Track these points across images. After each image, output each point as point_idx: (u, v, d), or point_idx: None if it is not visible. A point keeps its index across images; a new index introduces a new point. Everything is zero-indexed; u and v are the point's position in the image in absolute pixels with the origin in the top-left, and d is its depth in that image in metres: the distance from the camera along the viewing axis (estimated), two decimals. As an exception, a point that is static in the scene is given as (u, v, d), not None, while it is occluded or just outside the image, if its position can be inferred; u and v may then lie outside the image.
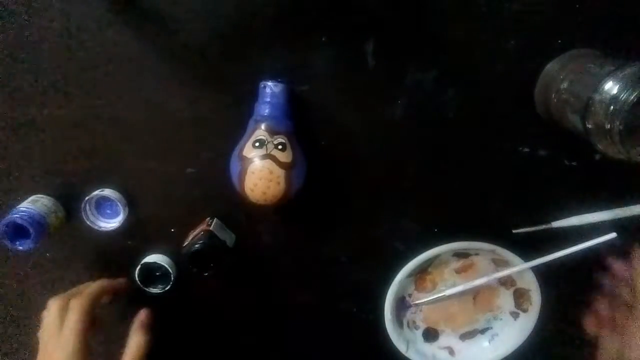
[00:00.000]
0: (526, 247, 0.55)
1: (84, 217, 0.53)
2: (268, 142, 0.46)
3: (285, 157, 0.46)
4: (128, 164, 0.54)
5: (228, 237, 0.54)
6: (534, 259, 0.55)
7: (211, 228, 0.52)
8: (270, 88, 0.48)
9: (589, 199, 0.56)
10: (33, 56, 0.50)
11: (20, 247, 0.50)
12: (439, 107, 0.53)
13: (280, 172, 0.45)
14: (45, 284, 0.58)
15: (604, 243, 0.52)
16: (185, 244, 0.53)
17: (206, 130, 0.53)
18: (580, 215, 0.54)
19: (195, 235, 0.52)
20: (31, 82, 0.50)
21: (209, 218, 0.54)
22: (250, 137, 0.48)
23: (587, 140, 0.44)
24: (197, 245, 0.50)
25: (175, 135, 0.53)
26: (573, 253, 0.53)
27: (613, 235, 0.51)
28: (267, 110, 0.48)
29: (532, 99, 0.52)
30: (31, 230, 0.49)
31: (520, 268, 0.54)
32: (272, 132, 0.47)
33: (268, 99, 0.48)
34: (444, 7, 0.50)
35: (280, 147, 0.46)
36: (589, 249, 0.53)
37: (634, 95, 0.40)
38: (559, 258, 0.54)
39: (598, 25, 0.50)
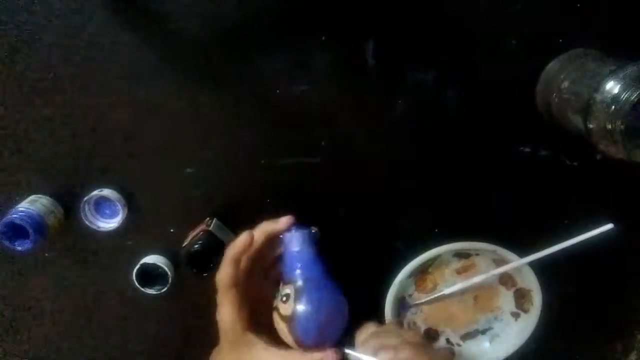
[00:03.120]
0: (527, 247, 0.55)
1: (83, 217, 0.53)
2: (279, 294, 0.45)
3: (285, 309, 0.43)
4: (128, 164, 0.53)
5: (228, 237, 0.53)
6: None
7: (210, 228, 0.52)
8: (286, 237, 0.46)
9: (589, 199, 0.56)
10: (33, 56, 0.50)
11: (19, 248, 0.49)
12: (439, 107, 0.53)
13: (282, 326, 0.43)
14: (45, 284, 0.57)
15: (601, 234, 0.51)
16: (185, 244, 0.53)
17: (206, 130, 0.53)
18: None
19: (195, 236, 0.52)
20: (31, 82, 0.50)
21: (208, 218, 0.54)
22: None
23: (588, 140, 0.44)
24: (196, 246, 0.50)
25: (175, 135, 0.53)
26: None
27: (610, 226, 0.51)
28: (286, 260, 0.46)
29: (533, 99, 0.52)
30: (30, 231, 0.49)
31: (518, 264, 0.54)
32: (284, 283, 0.45)
33: (284, 249, 0.46)
34: (444, 7, 0.50)
35: (284, 298, 0.44)
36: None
37: (635, 95, 0.40)
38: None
39: (598, 25, 0.50)
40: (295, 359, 0.44)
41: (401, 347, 0.42)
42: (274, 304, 0.45)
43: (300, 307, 0.43)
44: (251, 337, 0.45)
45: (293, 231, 0.46)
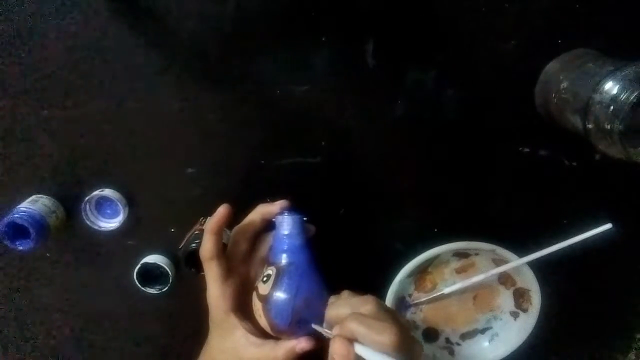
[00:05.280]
0: (527, 247, 0.55)
1: (84, 217, 0.53)
2: (262, 274, 0.45)
3: (264, 289, 0.44)
4: (128, 164, 0.54)
5: (224, 235, 0.53)
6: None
7: (204, 227, 0.52)
8: (278, 219, 0.47)
9: (589, 199, 0.56)
10: (32, 56, 0.50)
11: (21, 247, 0.50)
12: (439, 107, 0.53)
13: (259, 306, 0.44)
14: (46, 283, 0.58)
15: (601, 234, 0.52)
16: (182, 244, 0.53)
17: (206, 130, 0.53)
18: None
19: (190, 235, 0.52)
20: (31, 82, 0.50)
21: (202, 218, 0.54)
22: None
23: (587, 140, 0.44)
24: (193, 245, 0.50)
25: (175, 135, 0.53)
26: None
27: (609, 226, 0.51)
28: (274, 243, 0.47)
29: (532, 99, 0.52)
30: (31, 231, 0.49)
31: (517, 263, 0.54)
32: (268, 264, 0.46)
33: (275, 232, 0.47)
34: (444, 7, 0.50)
35: (265, 279, 0.44)
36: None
37: (634, 96, 0.40)
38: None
39: (598, 25, 0.50)
40: (270, 348, 0.44)
41: (348, 320, 0.39)
42: (256, 283, 0.45)
43: (278, 290, 0.43)
44: (234, 321, 0.45)
45: (285, 214, 0.46)
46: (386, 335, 0.37)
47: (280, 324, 0.43)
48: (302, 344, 0.43)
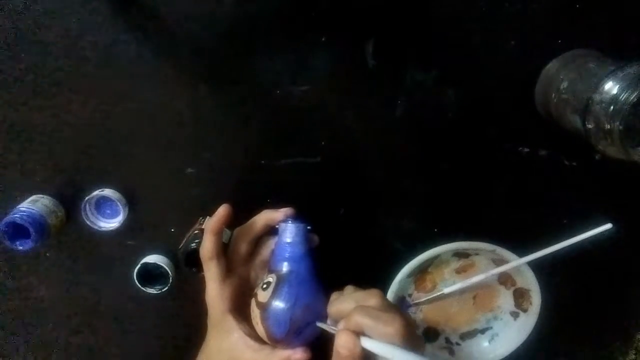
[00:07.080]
0: (526, 247, 0.55)
1: (84, 217, 0.53)
2: (262, 281, 0.45)
3: (263, 296, 0.43)
4: (128, 164, 0.54)
5: (224, 234, 0.53)
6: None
7: (204, 227, 0.52)
8: (281, 227, 0.47)
9: (589, 199, 0.56)
10: (33, 56, 0.50)
11: (20, 247, 0.50)
12: (439, 107, 0.53)
13: (257, 313, 0.43)
14: (46, 283, 0.58)
15: (601, 234, 0.51)
16: (181, 244, 0.53)
17: (206, 130, 0.53)
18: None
19: (190, 235, 0.52)
20: (31, 82, 0.50)
21: (201, 217, 0.54)
22: None
23: (586, 140, 0.44)
24: (192, 245, 0.50)
25: (175, 135, 0.53)
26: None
27: (609, 226, 0.51)
28: (276, 250, 0.46)
29: (532, 99, 0.52)
30: (31, 230, 0.49)
31: (517, 263, 0.54)
32: (269, 271, 0.46)
33: (277, 239, 0.47)
34: (444, 7, 0.50)
35: (264, 286, 0.44)
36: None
37: (634, 96, 0.40)
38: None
39: (598, 25, 0.50)
40: (266, 354, 0.44)
41: (354, 313, 0.38)
42: (255, 290, 0.45)
43: (277, 299, 0.43)
44: (231, 322, 0.45)
45: (289, 222, 0.46)
46: (394, 326, 0.37)
47: (277, 333, 0.42)
48: (297, 354, 0.43)
